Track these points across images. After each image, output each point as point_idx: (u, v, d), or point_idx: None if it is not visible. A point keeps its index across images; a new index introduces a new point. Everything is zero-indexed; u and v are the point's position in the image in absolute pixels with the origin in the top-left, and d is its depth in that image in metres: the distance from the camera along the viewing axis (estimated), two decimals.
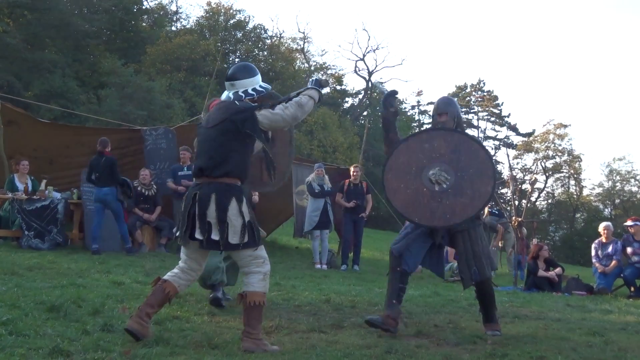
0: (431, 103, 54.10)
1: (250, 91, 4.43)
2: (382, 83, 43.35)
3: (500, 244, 14.04)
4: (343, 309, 6.11)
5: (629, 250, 10.75)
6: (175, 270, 4.35)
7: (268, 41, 41.16)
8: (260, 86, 4.50)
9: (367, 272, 11.44)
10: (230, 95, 4.45)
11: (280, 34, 46.05)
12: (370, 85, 48.50)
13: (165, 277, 4.32)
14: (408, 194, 5.00)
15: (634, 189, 43.49)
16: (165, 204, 11.71)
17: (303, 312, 5.71)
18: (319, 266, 11.41)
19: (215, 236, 4.09)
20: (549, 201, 47.14)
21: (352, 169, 12.15)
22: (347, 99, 50.41)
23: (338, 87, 48.15)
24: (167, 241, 11.53)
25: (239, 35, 39.01)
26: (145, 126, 14.95)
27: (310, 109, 4.40)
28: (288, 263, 11.58)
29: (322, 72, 47.87)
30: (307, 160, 15.75)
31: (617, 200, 43.24)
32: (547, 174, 45.60)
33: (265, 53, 40.15)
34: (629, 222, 11.05)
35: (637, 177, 43.01)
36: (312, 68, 47.47)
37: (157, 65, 32.11)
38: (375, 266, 13.03)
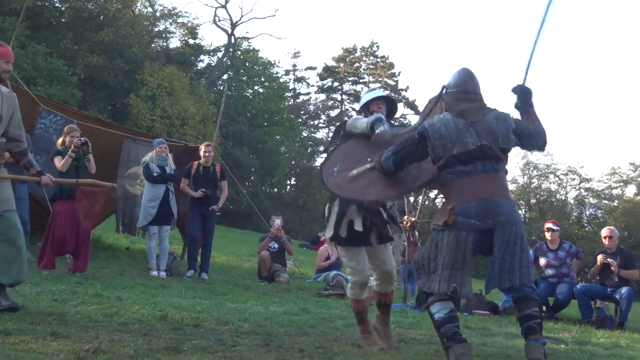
0: (310, 68, 54.76)
1: None
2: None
3: None
4: (183, 328, 6.09)
5: (541, 261, 11.13)
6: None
7: None
8: None
9: (218, 281, 11.43)
10: None
11: None
12: (233, 40, 48.34)
13: None
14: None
15: (553, 186, 44.92)
16: None
17: (130, 332, 5.63)
18: (155, 273, 11.30)
19: None
20: None
21: (202, 147, 12.07)
22: (202, 57, 49.95)
23: (191, 42, 47.63)
24: None
25: None
26: None
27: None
28: (114, 268, 11.39)
29: (170, 21, 47.22)
30: (145, 135, 15.14)
31: (533, 200, 44.68)
32: None
33: None
34: (549, 225, 11.43)
35: (557, 173, 44.41)
36: (158, 14, 46.69)
37: None
38: (229, 275, 13.01)
